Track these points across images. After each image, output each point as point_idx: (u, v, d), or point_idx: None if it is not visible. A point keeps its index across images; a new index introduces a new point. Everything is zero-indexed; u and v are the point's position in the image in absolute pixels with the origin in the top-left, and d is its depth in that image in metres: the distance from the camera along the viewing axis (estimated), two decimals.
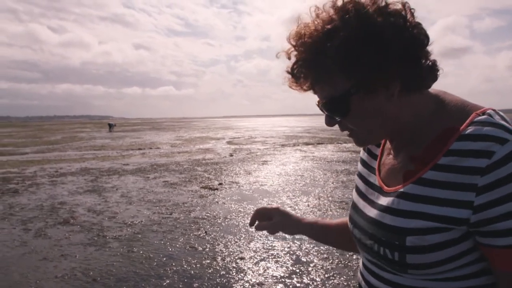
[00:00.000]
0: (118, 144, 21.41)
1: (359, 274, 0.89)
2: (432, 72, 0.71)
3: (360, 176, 0.90)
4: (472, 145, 0.63)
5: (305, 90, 0.73)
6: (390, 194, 0.74)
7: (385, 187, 0.77)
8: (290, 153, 14.94)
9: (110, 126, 42.22)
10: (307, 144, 19.40)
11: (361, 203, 0.83)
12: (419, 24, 0.69)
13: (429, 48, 0.70)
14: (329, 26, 0.66)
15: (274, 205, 1.06)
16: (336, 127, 0.77)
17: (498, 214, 0.60)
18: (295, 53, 0.71)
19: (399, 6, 0.68)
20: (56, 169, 11.46)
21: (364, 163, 0.91)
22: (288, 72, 0.73)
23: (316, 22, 0.68)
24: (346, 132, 0.78)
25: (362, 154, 0.93)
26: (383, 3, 0.67)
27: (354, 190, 0.91)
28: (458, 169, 0.64)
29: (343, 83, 0.68)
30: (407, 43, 0.66)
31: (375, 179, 0.83)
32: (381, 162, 0.84)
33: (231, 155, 14.80)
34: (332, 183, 8.49)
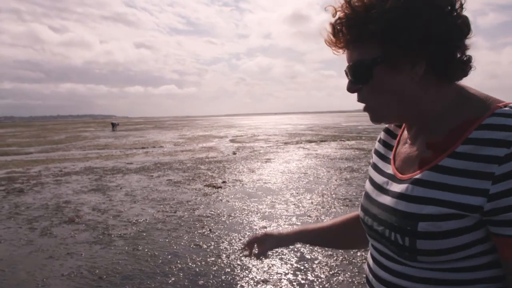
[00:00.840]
0: (122, 143, 21.48)
1: (366, 266, 0.89)
2: (464, 66, 0.71)
3: (374, 166, 0.91)
4: (491, 134, 0.63)
5: (338, 48, 0.76)
6: (405, 181, 0.75)
7: (399, 175, 0.78)
8: (293, 151, 14.94)
9: (113, 125, 42.37)
10: (310, 141, 19.38)
11: (375, 192, 0.84)
12: (464, 15, 0.70)
13: (469, 41, 0.70)
14: None
15: (260, 233, 1.13)
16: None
17: (511, 203, 0.61)
18: (340, 10, 0.73)
19: None
20: (61, 168, 11.53)
21: (378, 154, 0.92)
22: (330, 25, 0.75)
23: None
24: (363, 106, 0.79)
25: (377, 145, 0.94)
26: None
27: (367, 180, 0.92)
28: (476, 157, 0.64)
29: (373, 50, 0.70)
30: (446, 29, 0.67)
31: (389, 168, 0.83)
32: (396, 152, 0.85)
33: (234, 153, 14.82)
34: (336, 180, 8.49)
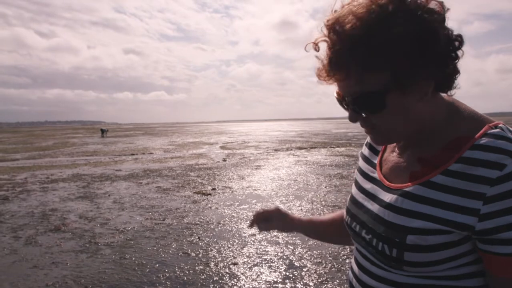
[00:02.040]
0: (111, 150, 21.26)
1: (350, 272, 0.89)
2: (454, 76, 0.72)
3: (361, 171, 0.91)
4: (484, 155, 0.64)
5: (333, 82, 0.71)
6: (394, 192, 0.75)
7: (387, 183, 0.78)
8: (283, 158, 14.96)
9: (103, 131, 41.94)
10: (300, 148, 19.43)
11: (361, 197, 0.84)
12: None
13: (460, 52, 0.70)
14: (382, 14, 0.63)
15: (273, 207, 1.10)
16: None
17: (503, 224, 0.62)
18: (329, 41, 0.68)
19: (437, 5, 0.67)
20: (48, 175, 11.35)
21: (365, 158, 0.92)
22: (322, 61, 0.69)
23: (360, 8, 0.65)
24: (366, 129, 0.76)
25: (364, 149, 0.94)
26: None
27: (353, 184, 0.92)
28: (468, 177, 0.65)
29: (379, 78, 0.66)
30: (447, 43, 0.67)
31: (376, 174, 0.83)
32: (382, 158, 0.85)
33: (224, 160, 14.78)
34: (325, 187, 8.52)
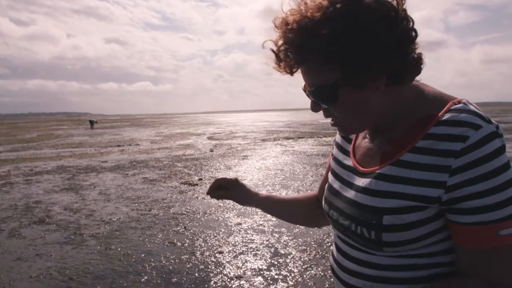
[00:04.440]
0: (97, 141, 21.00)
1: (330, 257, 0.91)
2: (417, 65, 0.73)
3: (335, 159, 0.93)
4: (448, 130, 0.67)
5: (287, 73, 0.73)
6: (367, 175, 0.77)
7: (361, 168, 0.80)
8: (271, 148, 15.00)
9: (92, 122, 41.40)
10: (287, 138, 19.51)
11: (337, 184, 0.86)
12: (407, 16, 0.70)
13: (416, 40, 0.71)
14: (320, 14, 0.66)
15: (232, 177, 1.09)
16: (317, 114, 0.78)
17: (467, 193, 0.65)
18: (281, 35, 0.70)
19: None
20: (31, 167, 11.17)
21: (339, 146, 0.94)
22: (273, 52, 0.73)
23: (306, 8, 0.68)
24: (329, 120, 0.79)
25: (337, 138, 0.96)
26: None
27: (329, 173, 0.94)
28: (434, 152, 0.68)
29: (332, 73, 0.69)
30: (397, 38, 0.67)
31: (349, 161, 0.86)
32: (355, 145, 0.87)
33: (211, 150, 14.75)
34: (311, 176, 8.59)
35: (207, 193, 1.08)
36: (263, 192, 1.15)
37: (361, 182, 0.78)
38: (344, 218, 0.80)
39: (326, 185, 0.92)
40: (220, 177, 1.11)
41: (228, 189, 1.07)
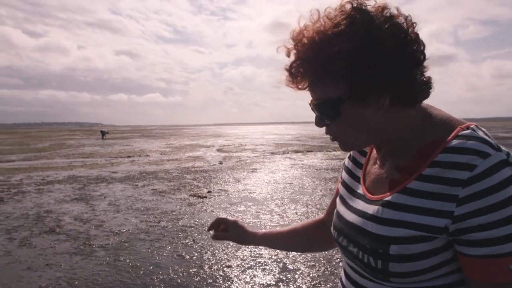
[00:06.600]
0: (107, 152, 21.22)
1: (339, 283, 0.90)
2: (425, 88, 0.73)
3: (344, 184, 0.91)
4: (456, 157, 0.65)
5: (300, 89, 0.76)
6: (375, 203, 0.76)
7: (369, 195, 0.79)
8: (280, 161, 14.98)
9: (103, 133, 41.83)
10: (296, 152, 19.47)
11: (345, 211, 0.85)
12: (418, 40, 0.70)
13: (425, 63, 0.71)
14: (334, 31, 0.67)
15: (232, 219, 1.18)
16: (324, 129, 0.79)
17: (474, 224, 0.63)
18: (294, 51, 0.72)
19: (402, 20, 0.69)
20: (43, 177, 11.32)
21: (348, 171, 0.93)
22: (286, 70, 0.75)
23: (320, 24, 0.70)
24: (330, 136, 0.80)
25: (347, 162, 0.95)
26: (388, 14, 0.69)
27: (338, 198, 0.92)
28: (441, 180, 0.66)
29: (337, 88, 0.70)
30: (404, 59, 0.68)
31: (359, 188, 0.84)
32: (366, 171, 0.86)
33: (220, 162, 14.79)
34: (321, 190, 8.54)
35: (208, 230, 1.18)
36: (261, 230, 1.20)
37: (369, 209, 0.77)
38: (353, 246, 0.79)
39: (335, 211, 0.91)
40: (221, 216, 1.20)
41: (227, 231, 1.16)
